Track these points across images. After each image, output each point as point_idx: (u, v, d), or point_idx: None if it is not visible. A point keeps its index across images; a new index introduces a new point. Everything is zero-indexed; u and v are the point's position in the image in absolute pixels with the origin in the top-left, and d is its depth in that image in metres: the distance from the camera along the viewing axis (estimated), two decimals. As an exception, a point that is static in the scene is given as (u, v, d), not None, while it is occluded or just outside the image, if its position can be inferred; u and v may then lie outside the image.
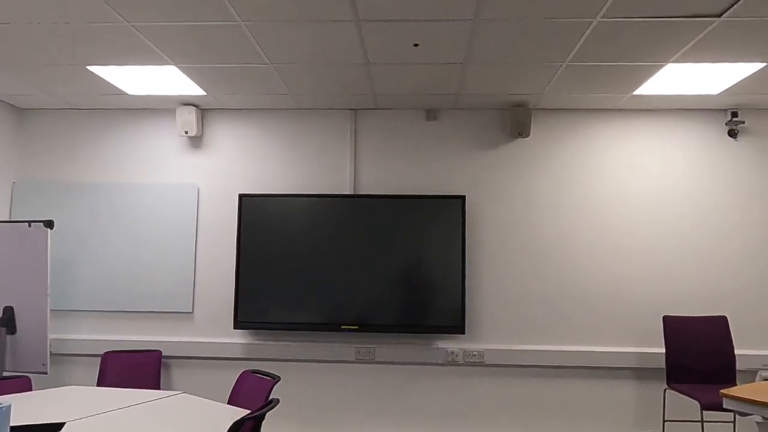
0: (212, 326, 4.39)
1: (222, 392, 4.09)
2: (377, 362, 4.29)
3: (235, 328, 4.26)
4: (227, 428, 2.40)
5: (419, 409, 4.25)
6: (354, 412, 4.27)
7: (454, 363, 4.27)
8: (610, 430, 4.16)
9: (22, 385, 3.28)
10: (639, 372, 4.20)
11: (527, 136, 4.30)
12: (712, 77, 3.65)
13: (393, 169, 4.45)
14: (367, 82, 3.88)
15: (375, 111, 4.50)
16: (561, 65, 3.50)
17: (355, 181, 4.45)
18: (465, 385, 4.26)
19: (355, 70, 3.65)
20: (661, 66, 3.48)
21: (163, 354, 4.27)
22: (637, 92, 3.98)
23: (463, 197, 4.24)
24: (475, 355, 4.24)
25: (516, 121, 4.28)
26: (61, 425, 2.59)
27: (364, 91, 4.07)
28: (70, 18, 2.92)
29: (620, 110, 4.39)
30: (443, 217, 4.24)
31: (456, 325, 4.16)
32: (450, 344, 4.28)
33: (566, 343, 4.25)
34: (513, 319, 4.29)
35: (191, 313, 4.40)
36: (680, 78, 3.67)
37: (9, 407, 2.19)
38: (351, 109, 4.50)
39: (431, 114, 4.48)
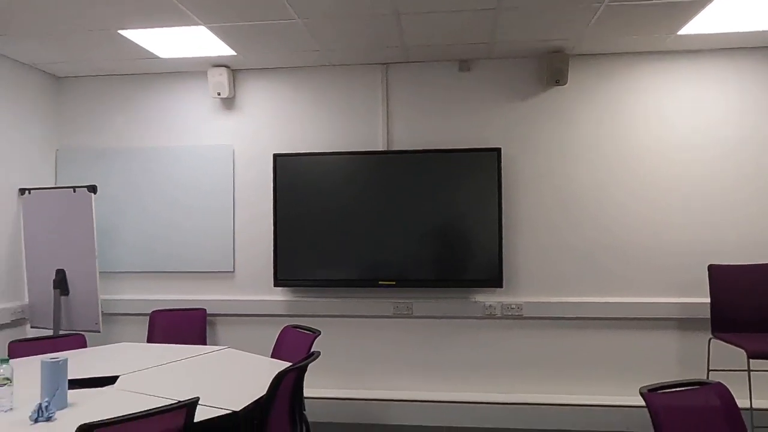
0: (253, 284, 4.49)
1: (264, 347, 4.22)
2: (415, 317, 4.33)
3: (275, 285, 4.35)
4: (271, 379, 2.48)
5: (458, 363, 4.29)
6: (392, 365, 4.35)
7: (492, 316, 4.27)
8: (653, 380, 4.13)
9: (78, 342, 3.45)
10: (682, 322, 4.12)
11: (564, 83, 4.15)
12: (765, 10, 3.42)
13: (426, 123, 4.38)
14: (398, 34, 3.79)
15: (406, 64, 4.41)
16: (600, 5, 3.34)
17: (388, 137, 4.41)
18: (503, 338, 4.27)
19: (385, 22, 3.56)
20: (709, 0, 3.28)
21: (208, 312, 4.41)
22: (682, 32, 3.77)
23: (498, 149, 4.16)
24: (513, 308, 4.23)
25: (552, 68, 4.13)
26: (114, 378, 2.73)
27: (395, 44, 3.98)
28: (98, -19, 2.92)
29: (663, 52, 4.18)
30: (478, 171, 4.18)
31: (493, 279, 4.15)
32: (488, 298, 4.28)
33: (606, 295, 4.19)
34: (551, 272, 4.25)
35: (232, 272, 4.51)
36: (729, 13, 3.46)
37: (66, 360, 2.30)
38: (382, 64, 4.42)
39: (464, 65, 4.36)
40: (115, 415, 1.81)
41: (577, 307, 4.18)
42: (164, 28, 3.62)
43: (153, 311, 4.31)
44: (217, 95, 4.40)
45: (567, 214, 4.24)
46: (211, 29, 3.64)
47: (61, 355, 2.37)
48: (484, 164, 4.17)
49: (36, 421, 2.12)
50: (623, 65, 4.22)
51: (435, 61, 4.39)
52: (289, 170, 4.34)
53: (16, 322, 4.27)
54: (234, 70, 4.53)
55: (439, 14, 3.45)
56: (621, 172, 4.20)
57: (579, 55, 4.24)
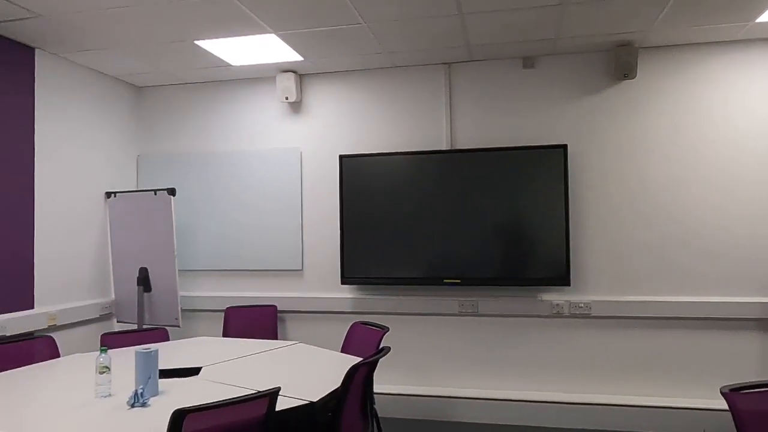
0: (321, 282, 4.63)
1: (332, 343, 4.35)
2: (480, 315, 4.35)
3: (342, 283, 4.46)
4: (345, 373, 2.57)
5: (524, 361, 4.28)
6: (458, 363, 4.38)
7: (559, 315, 4.23)
8: (730, 382, 3.96)
9: (161, 335, 3.68)
10: (763, 323, 3.94)
11: (633, 77, 4.06)
12: None
13: (490, 122, 4.39)
14: (461, 34, 3.82)
15: (469, 63, 4.43)
16: (671, -3, 3.25)
17: (451, 136, 4.44)
18: (571, 337, 4.21)
19: (449, 22, 3.60)
20: (790, -13, 3.14)
21: (278, 308, 4.58)
22: (760, 19, 3.61)
23: (564, 146, 4.11)
24: (581, 306, 4.17)
25: (621, 62, 4.05)
26: (198, 369, 2.90)
27: (458, 44, 4.01)
28: (179, -4, 3.11)
29: (738, 41, 4.02)
30: (544, 168, 4.14)
31: (561, 277, 4.10)
32: (555, 296, 4.23)
33: (679, 294, 4.07)
34: (621, 270, 4.16)
35: (301, 270, 4.66)
36: (813, -1, 3.29)
37: (157, 351, 2.47)
38: (445, 63, 4.46)
39: (528, 61, 4.34)
40: (202, 403, 1.94)
41: (648, 307, 4.07)
42: (237, 38, 3.80)
43: (227, 307, 4.52)
44: (285, 99, 4.57)
45: (637, 210, 4.14)
46: (281, 37, 3.79)
47: (152, 346, 2.55)
48: (550, 161, 4.13)
49: (133, 406, 2.29)
50: (695, 56, 4.08)
51: (498, 59, 4.38)
52: (354, 171, 4.45)
53: (104, 317, 4.58)
54: (301, 75, 4.68)
55: (503, 12, 3.45)
56: (694, 165, 4.07)
57: (648, 47, 4.13)
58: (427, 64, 4.49)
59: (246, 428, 2.10)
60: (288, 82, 4.54)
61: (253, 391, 2.14)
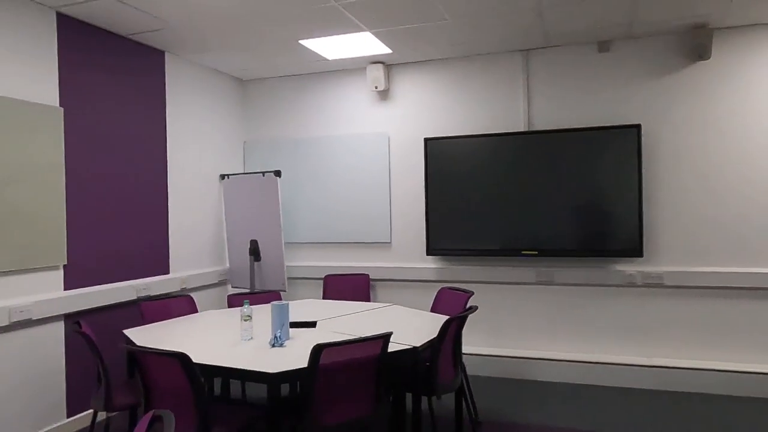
0: (408, 253, 5.12)
1: (419, 308, 4.84)
2: (556, 284, 4.70)
3: (427, 254, 4.93)
4: (438, 327, 3.05)
5: (598, 326, 4.60)
6: (535, 327, 4.76)
7: (632, 285, 4.51)
8: (803, 350, 4.14)
9: (276, 297, 4.29)
10: (838, 293, 4.08)
11: (708, 58, 4.23)
12: None
13: (566, 104, 4.68)
14: (539, 24, 4.13)
15: (545, 49, 4.72)
16: (743, -17, 3.43)
17: (528, 118, 4.77)
18: (643, 304, 4.49)
19: (527, 13, 3.92)
20: None
21: (370, 277, 5.12)
22: (838, -2, 3.70)
23: (638, 126, 4.36)
24: (653, 276, 4.44)
25: (695, 43, 4.22)
26: (314, 323, 3.46)
27: (536, 31, 4.31)
28: (286, 3, 3.63)
29: (819, 18, 4.09)
30: (618, 147, 4.41)
31: (634, 249, 4.38)
32: (628, 267, 4.52)
33: (748, 266, 4.25)
34: (692, 243, 4.38)
35: (390, 243, 5.17)
36: None
37: (288, 304, 3.04)
38: (522, 50, 4.77)
39: (603, 45, 4.58)
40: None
41: (720, 277, 4.29)
42: (335, 36, 4.29)
43: (326, 276, 5.10)
44: (374, 88, 5.04)
45: (709, 187, 4.34)
46: (375, 34, 4.24)
47: (282, 302, 3.12)
48: (624, 140, 4.39)
49: (273, 345, 2.88)
50: (773, 35, 4.19)
51: (574, 44, 4.65)
52: (438, 152, 4.88)
53: (221, 283, 5.29)
54: (388, 65, 5.14)
55: (580, 0, 3.74)
56: (765, 144, 4.21)
57: (723, 28, 4.27)
58: (506, 51, 4.82)
59: (365, 364, 2.62)
60: (377, 72, 5.01)
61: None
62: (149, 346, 2.63)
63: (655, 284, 4.45)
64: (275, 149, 5.53)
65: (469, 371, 4.75)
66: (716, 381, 4.19)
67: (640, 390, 4.32)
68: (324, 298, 5.05)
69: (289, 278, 5.39)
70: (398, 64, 5.12)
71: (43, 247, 3.50)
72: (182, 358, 2.38)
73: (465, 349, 4.84)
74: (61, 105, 3.67)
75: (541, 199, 4.61)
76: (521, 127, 4.79)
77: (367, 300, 5.04)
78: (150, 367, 2.55)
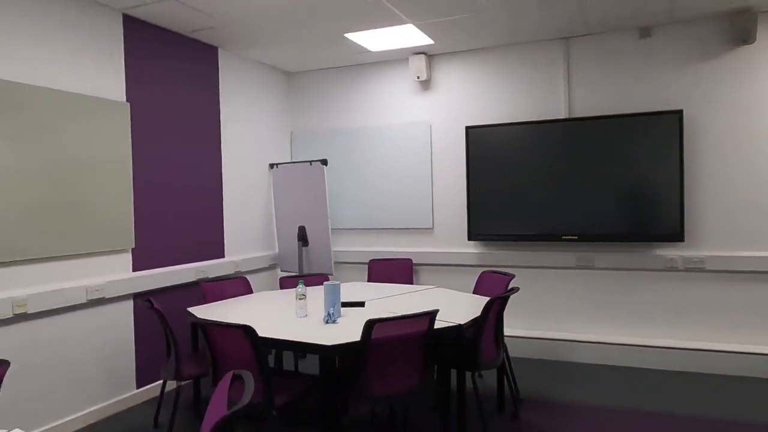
0: (449, 238, 5.28)
1: (461, 290, 4.98)
2: (596, 268, 4.78)
3: (468, 239, 5.08)
4: (481, 307, 3.21)
5: (638, 310, 4.67)
6: (575, 311, 4.86)
7: (673, 269, 4.56)
8: None
9: (323, 279, 4.52)
10: None
11: (752, 42, 4.21)
12: None
13: (607, 91, 4.73)
14: (580, 11, 4.19)
15: (586, 37, 4.77)
16: (788, -33, 3.43)
17: (569, 105, 4.84)
18: (684, 288, 4.54)
19: (568, 1, 4.00)
20: None
21: (413, 261, 5.30)
22: None
23: (680, 111, 4.38)
24: (695, 261, 4.47)
25: (739, 27, 4.22)
26: (363, 303, 3.66)
27: (576, 18, 4.38)
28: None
29: None
30: (660, 132, 4.45)
31: (675, 234, 4.43)
32: (669, 252, 4.57)
33: (798, 249, 4.25)
34: (735, 228, 4.39)
35: (432, 228, 5.34)
36: None
37: (339, 284, 3.25)
38: (563, 38, 4.83)
39: (644, 31, 4.60)
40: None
41: (763, 261, 4.29)
42: (380, 29, 4.45)
43: (370, 260, 5.30)
44: (416, 78, 5.19)
45: (752, 171, 4.34)
46: (417, 26, 4.39)
47: (334, 282, 3.33)
48: (666, 126, 4.42)
49: (327, 322, 3.09)
50: (821, 17, 4.14)
51: (615, 31, 4.69)
52: (479, 140, 5.00)
53: (271, 267, 5.56)
54: (430, 56, 5.27)
55: (620, -8, 3.79)
56: (816, 126, 4.18)
57: (769, 11, 4.25)
58: (547, 39, 4.89)
59: (413, 339, 2.81)
60: (419, 62, 5.15)
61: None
62: (217, 320, 2.88)
63: (696, 269, 4.49)
64: (320, 139, 5.75)
65: (510, 353, 4.89)
66: (757, 365, 4.22)
67: (681, 373, 4.38)
68: (368, 281, 5.26)
69: (336, 262, 5.62)
70: (440, 54, 5.25)
71: (114, 232, 3.80)
72: (248, 330, 2.61)
73: (506, 331, 4.98)
74: (127, 100, 3.96)
75: (582, 184, 4.69)
76: (562, 115, 4.86)
77: (410, 284, 5.23)
78: (217, 339, 2.79)
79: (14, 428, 1.71)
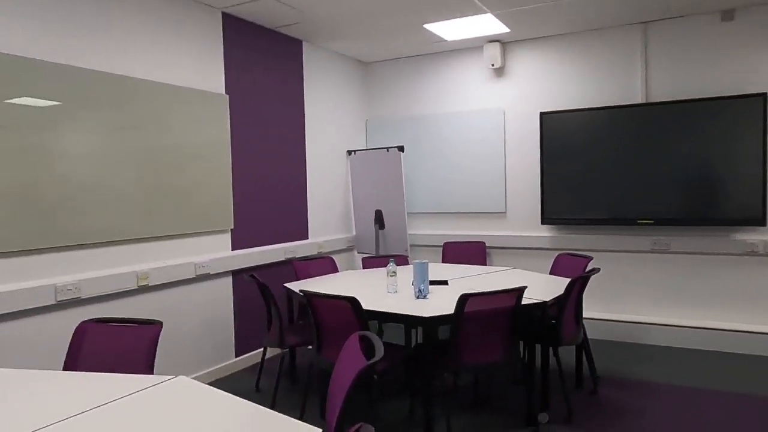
0: (522, 222, 5.41)
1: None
2: (672, 252, 4.81)
3: (542, 223, 5.20)
4: (563, 287, 3.35)
5: (716, 294, 4.68)
6: (651, 294, 4.91)
7: (753, 254, 4.54)
8: None
9: (403, 261, 4.75)
10: None
11: (843, 22, 4.12)
12: None
13: (686, 75, 4.72)
14: (660, -3, 4.21)
15: (665, 21, 4.76)
16: None
17: (646, 90, 4.86)
18: (765, 274, 4.51)
19: (649, -11, 4.03)
20: None
21: (486, 244, 5.46)
22: None
23: (764, 94, 4.34)
24: (777, 245, 4.44)
25: (829, 7, 4.13)
26: (446, 281, 3.87)
27: (655, 3, 4.38)
28: (423, -6, 3.99)
29: None
30: (741, 116, 4.41)
31: (756, 218, 4.40)
32: (749, 236, 4.54)
33: None
34: (822, 211, 4.33)
35: (504, 212, 5.48)
36: None
37: (427, 263, 3.46)
38: (641, 23, 4.84)
39: (727, 14, 4.56)
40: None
41: None
42: (458, 19, 4.60)
43: (445, 243, 5.50)
44: (491, 66, 5.31)
45: (842, 154, 4.26)
46: (496, 15, 4.51)
47: (422, 261, 3.55)
48: (749, 109, 4.39)
49: (417, 297, 3.32)
50: None
51: (695, 14, 4.66)
52: (553, 125, 5.09)
53: (348, 249, 5.85)
54: (504, 43, 5.38)
55: (704, -24, 3.80)
56: None
57: None
58: (624, 24, 4.91)
59: (501, 313, 3.00)
60: (494, 50, 5.27)
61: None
62: (322, 293, 3.16)
63: (778, 253, 4.46)
64: (395, 126, 5.97)
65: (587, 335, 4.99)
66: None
67: (760, 357, 4.38)
68: (443, 263, 5.47)
69: (411, 245, 5.85)
70: (514, 41, 5.35)
71: (216, 214, 4.16)
72: (353, 302, 2.87)
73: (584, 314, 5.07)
74: (226, 92, 4.29)
75: (659, 169, 4.72)
76: (638, 99, 4.88)
77: (485, 265, 5.40)
78: (321, 310, 3.07)
79: (177, 375, 2.00)
